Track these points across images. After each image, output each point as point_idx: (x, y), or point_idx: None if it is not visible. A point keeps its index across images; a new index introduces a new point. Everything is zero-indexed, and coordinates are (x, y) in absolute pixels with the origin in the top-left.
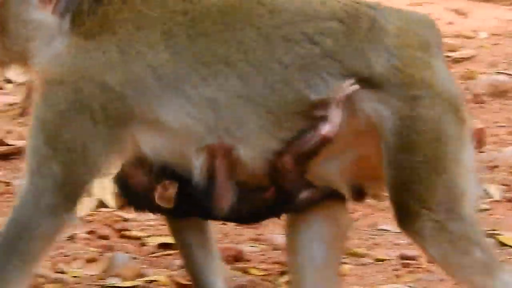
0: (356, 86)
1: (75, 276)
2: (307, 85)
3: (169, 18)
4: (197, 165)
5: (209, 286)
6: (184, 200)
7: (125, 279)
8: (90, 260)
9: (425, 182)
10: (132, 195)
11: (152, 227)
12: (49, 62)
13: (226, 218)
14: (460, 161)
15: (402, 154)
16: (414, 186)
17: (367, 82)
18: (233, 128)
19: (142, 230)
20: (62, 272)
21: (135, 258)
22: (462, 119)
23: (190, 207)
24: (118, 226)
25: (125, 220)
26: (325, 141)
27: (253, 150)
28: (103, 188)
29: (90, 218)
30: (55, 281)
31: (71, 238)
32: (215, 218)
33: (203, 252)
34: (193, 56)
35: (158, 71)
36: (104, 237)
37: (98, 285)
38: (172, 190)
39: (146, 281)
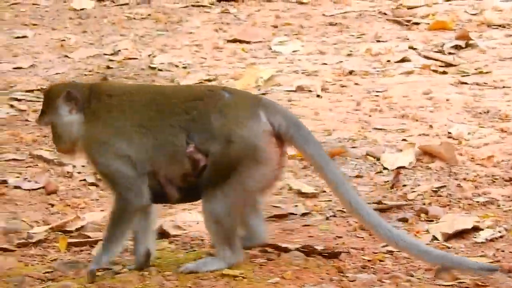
0: (192, 146)
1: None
2: (188, 136)
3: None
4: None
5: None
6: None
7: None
8: (428, 269)
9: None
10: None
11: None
12: None
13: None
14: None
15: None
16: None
17: (210, 132)
18: (156, 161)
19: None
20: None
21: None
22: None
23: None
24: (445, 251)
25: None
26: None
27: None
28: None
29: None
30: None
31: None
32: (174, 202)
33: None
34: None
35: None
36: None
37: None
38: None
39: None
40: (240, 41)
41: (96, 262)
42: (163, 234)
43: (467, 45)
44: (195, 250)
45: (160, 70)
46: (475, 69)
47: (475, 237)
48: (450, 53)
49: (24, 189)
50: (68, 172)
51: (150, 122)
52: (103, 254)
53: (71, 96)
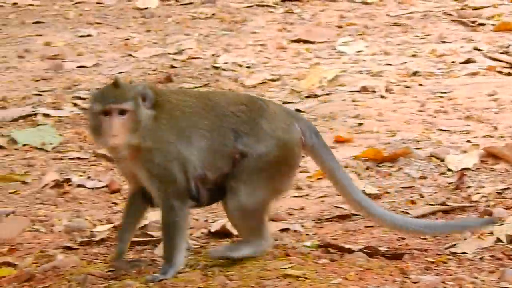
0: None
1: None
2: (235, 138)
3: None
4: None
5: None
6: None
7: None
8: (492, 272)
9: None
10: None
11: None
12: None
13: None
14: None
15: None
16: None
17: (257, 134)
18: (203, 163)
19: None
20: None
21: None
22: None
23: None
24: (508, 253)
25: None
26: None
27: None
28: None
29: (492, 247)
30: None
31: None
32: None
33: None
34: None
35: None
36: (499, 259)
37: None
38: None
39: None
40: (304, 41)
41: (163, 273)
42: (226, 234)
43: None
44: None
45: (224, 69)
46: None
47: None
48: None
49: (88, 188)
50: None
51: (205, 124)
52: (170, 267)
53: (145, 92)
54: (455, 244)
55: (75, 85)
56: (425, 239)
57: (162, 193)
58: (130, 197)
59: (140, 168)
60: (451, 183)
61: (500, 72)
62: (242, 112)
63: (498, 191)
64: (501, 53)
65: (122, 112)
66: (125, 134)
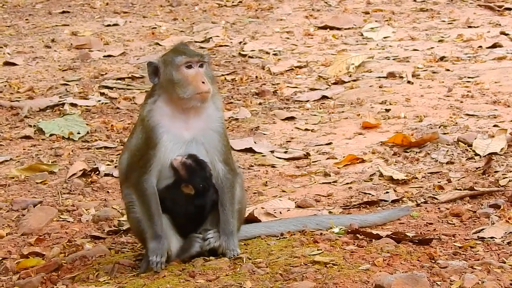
0: None
1: None
2: None
3: None
4: None
5: None
6: None
7: None
8: None
9: None
10: None
11: None
12: None
13: None
14: None
15: None
16: None
17: None
18: None
19: None
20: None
21: None
22: None
23: None
24: None
25: None
26: None
27: None
28: None
29: None
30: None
31: None
32: None
33: None
34: None
35: None
36: None
37: None
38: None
39: None
40: (331, 28)
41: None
42: (254, 221)
43: None
44: (285, 237)
45: (251, 57)
46: None
47: None
48: None
49: (115, 177)
50: None
51: None
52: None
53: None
54: (482, 229)
55: (102, 75)
56: (452, 224)
57: (224, 155)
58: (153, 193)
59: (205, 125)
60: (479, 167)
61: None
62: None
63: None
64: None
65: (201, 65)
66: (209, 83)
